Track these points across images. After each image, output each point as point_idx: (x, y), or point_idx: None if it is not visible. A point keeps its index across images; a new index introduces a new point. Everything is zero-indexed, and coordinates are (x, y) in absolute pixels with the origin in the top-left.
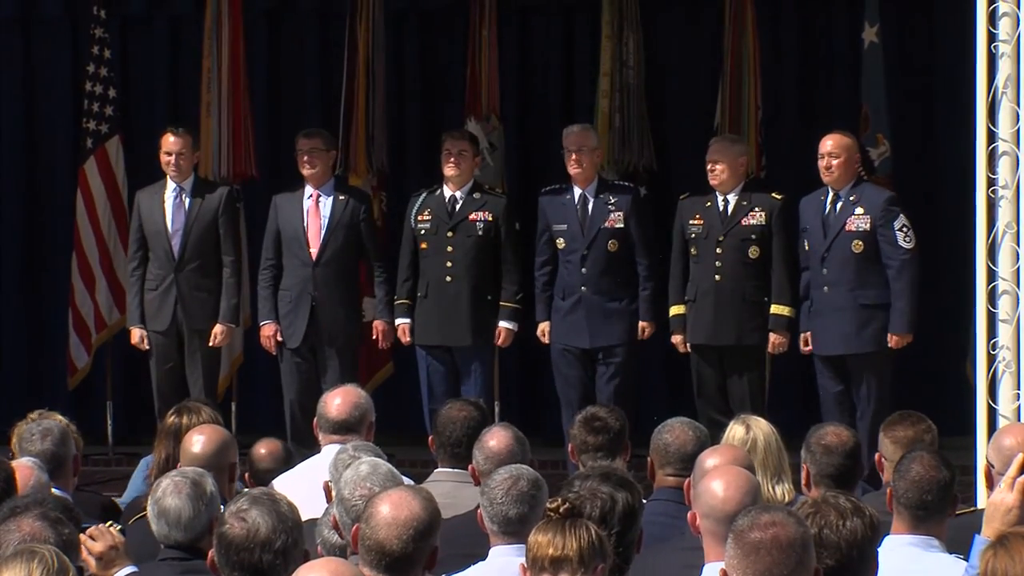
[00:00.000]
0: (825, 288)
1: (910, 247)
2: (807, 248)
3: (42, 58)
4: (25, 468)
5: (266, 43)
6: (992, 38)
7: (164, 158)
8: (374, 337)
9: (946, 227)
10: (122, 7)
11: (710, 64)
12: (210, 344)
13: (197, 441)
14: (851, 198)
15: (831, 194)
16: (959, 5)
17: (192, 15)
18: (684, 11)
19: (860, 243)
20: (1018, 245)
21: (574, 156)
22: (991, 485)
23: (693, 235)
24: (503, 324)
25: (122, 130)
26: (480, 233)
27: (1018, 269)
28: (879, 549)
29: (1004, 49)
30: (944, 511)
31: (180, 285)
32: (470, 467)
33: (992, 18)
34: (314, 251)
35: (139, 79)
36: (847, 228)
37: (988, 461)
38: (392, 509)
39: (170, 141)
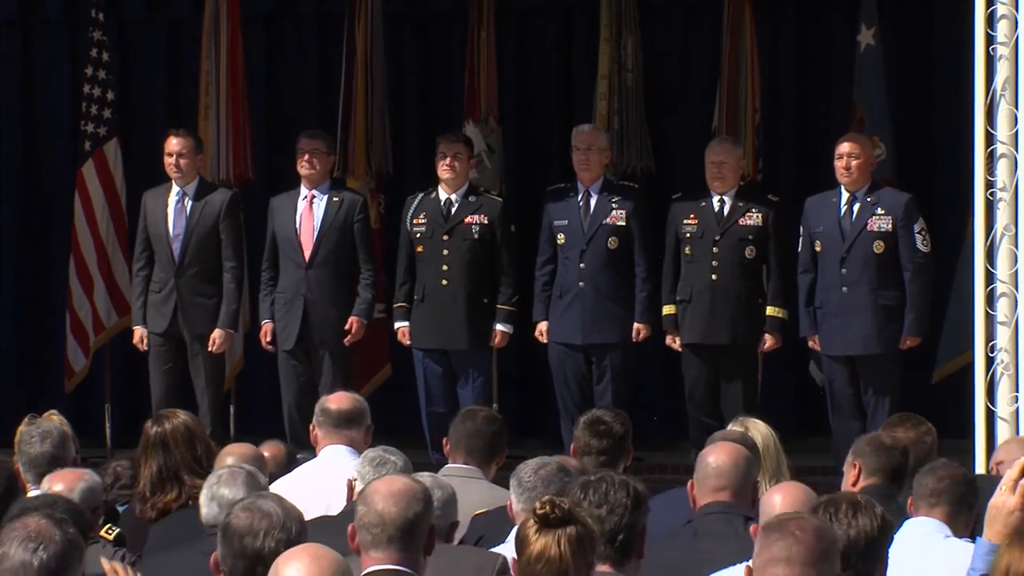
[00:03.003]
0: (844, 289)
1: (927, 250)
2: (818, 250)
3: (40, 61)
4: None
5: (264, 45)
6: (990, 40)
7: (166, 159)
8: (346, 327)
9: (943, 230)
10: (120, 10)
11: (708, 67)
12: (210, 350)
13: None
14: (869, 199)
15: (846, 196)
16: (957, 7)
17: (190, 18)
18: (682, 14)
19: (881, 244)
20: (1016, 247)
21: (582, 155)
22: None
23: (688, 235)
24: (499, 327)
25: (120, 133)
26: (476, 236)
27: (1016, 271)
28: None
29: (1002, 51)
30: (971, 507)
31: (180, 290)
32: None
33: (990, 20)
34: (307, 253)
35: (138, 82)
36: (869, 229)
37: (996, 462)
38: (386, 485)
39: (172, 142)
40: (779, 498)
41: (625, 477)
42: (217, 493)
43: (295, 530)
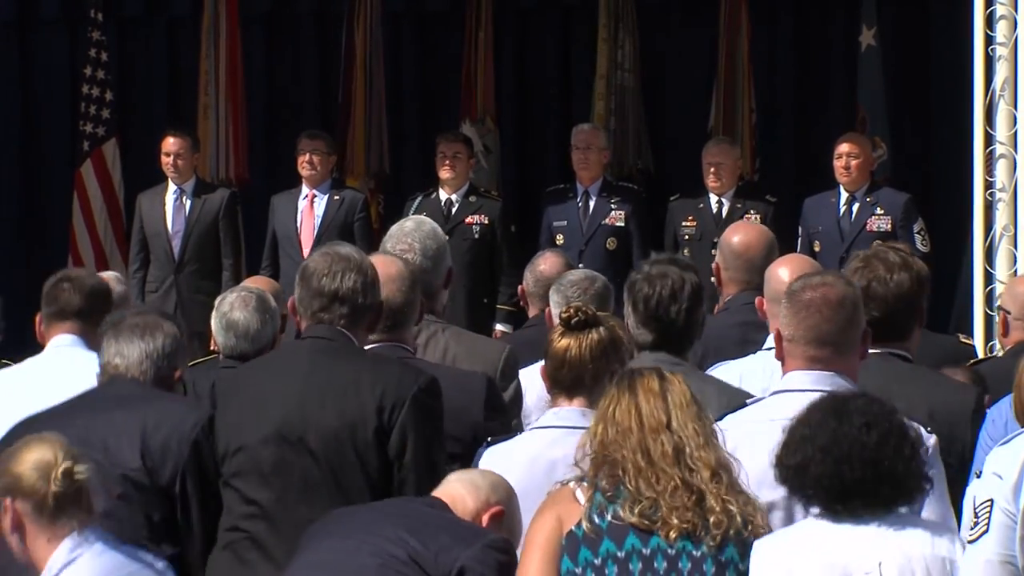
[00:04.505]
0: None
1: (926, 251)
2: (817, 250)
3: (39, 61)
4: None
5: (263, 45)
6: (989, 41)
7: (163, 159)
8: None
9: (942, 230)
10: (119, 9)
11: (706, 67)
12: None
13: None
14: (868, 199)
15: (844, 195)
16: (956, 7)
17: (189, 18)
18: (680, 14)
19: (880, 243)
20: (1015, 247)
21: (582, 154)
22: (1006, 331)
23: (687, 237)
24: (499, 327)
25: (119, 133)
26: (476, 236)
27: (1015, 272)
28: None
29: (1001, 52)
30: None
31: (179, 287)
32: (520, 288)
33: (989, 21)
34: (307, 250)
35: (136, 82)
36: (868, 229)
37: (1003, 308)
38: (379, 268)
39: (169, 142)
40: (785, 271)
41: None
42: (231, 319)
43: (371, 274)
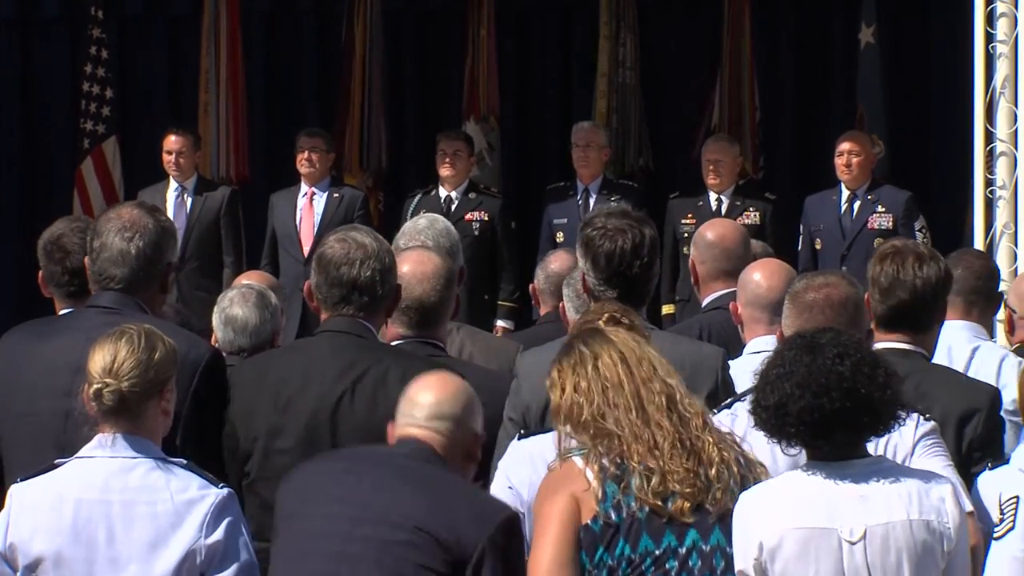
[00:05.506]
0: None
1: None
2: (819, 248)
3: (40, 58)
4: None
5: (264, 44)
6: (989, 38)
7: (165, 157)
8: None
9: (942, 228)
10: (120, 7)
11: (707, 65)
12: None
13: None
14: (869, 197)
15: (846, 193)
16: (956, 5)
17: (190, 15)
18: (682, 12)
19: (882, 241)
20: (1016, 245)
21: (582, 152)
22: (1012, 330)
23: (686, 235)
24: (500, 323)
25: (120, 131)
26: (476, 233)
27: (1016, 270)
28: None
29: (1002, 49)
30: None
31: (181, 285)
32: (531, 286)
33: (990, 18)
34: (306, 248)
35: (137, 80)
36: (869, 226)
37: (1009, 307)
38: (414, 266)
39: (171, 140)
40: (759, 275)
41: None
42: (230, 314)
43: (388, 260)
